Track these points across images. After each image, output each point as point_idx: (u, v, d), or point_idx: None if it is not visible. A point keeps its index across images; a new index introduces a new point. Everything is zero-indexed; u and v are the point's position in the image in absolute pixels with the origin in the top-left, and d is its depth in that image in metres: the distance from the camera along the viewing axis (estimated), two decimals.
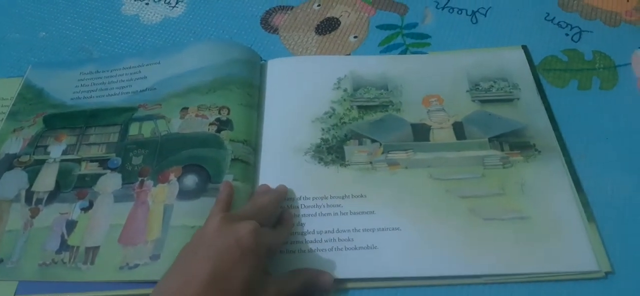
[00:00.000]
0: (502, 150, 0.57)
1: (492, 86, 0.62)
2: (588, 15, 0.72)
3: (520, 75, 0.64)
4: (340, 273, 0.49)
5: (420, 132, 0.59)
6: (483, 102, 0.61)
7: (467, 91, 0.62)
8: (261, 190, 0.54)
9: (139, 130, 0.58)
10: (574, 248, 0.50)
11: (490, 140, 0.58)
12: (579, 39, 0.69)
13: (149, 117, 0.59)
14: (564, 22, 0.71)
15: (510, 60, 0.65)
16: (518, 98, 0.62)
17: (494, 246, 0.50)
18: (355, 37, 0.71)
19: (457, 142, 0.58)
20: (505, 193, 0.54)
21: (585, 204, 0.53)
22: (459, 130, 0.59)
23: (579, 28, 0.70)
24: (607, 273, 0.49)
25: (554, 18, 0.72)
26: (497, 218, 0.52)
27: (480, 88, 0.63)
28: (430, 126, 0.59)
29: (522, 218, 0.52)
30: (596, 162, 0.57)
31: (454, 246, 0.50)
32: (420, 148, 0.57)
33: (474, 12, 0.73)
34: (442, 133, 0.59)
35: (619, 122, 0.60)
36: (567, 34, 0.70)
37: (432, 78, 0.64)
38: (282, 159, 0.57)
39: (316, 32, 0.72)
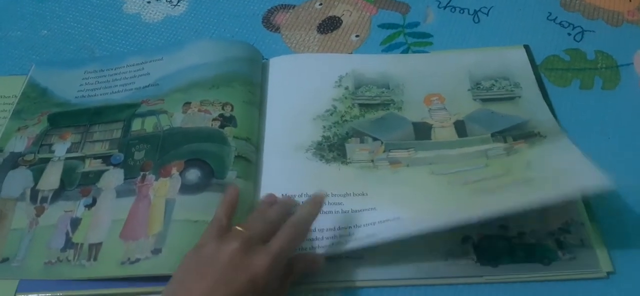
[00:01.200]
0: (506, 142, 0.57)
1: (494, 85, 0.63)
2: (590, 14, 0.72)
3: (521, 74, 0.65)
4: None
5: (422, 131, 0.59)
6: (484, 100, 0.62)
7: (469, 90, 0.63)
8: (268, 200, 0.53)
9: (142, 126, 0.59)
10: (583, 171, 0.50)
11: (492, 135, 0.58)
12: (581, 39, 0.69)
13: (152, 113, 0.60)
14: (566, 21, 0.71)
15: (512, 60, 0.66)
16: (519, 96, 0.62)
17: (498, 200, 0.50)
18: (357, 36, 0.71)
19: (459, 140, 0.58)
20: (510, 174, 0.54)
21: (588, 204, 0.53)
22: (460, 128, 0.59)
23: (581, 28, 0.71)
24: (609, 273, 0.49)
25: (556, 17, 0.72)
26: (501, 190, 0.52)
27: (481, 87, 0.63)
28: (432, 125, 0.59)
29: (529, 180, 0.52)
30: (598, 162, 0.57)
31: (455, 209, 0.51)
32: (421, 147, 0.58)
33: (475, 12, 0.73)
34: (444, 132, 0.59)
35: (621, 122, 0.61)
36: (569, 34, 0.70)
37: (434, 77, 0.64)
38: (284, 157, 0.58)
39: (318, 31, 0.72)
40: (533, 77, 0.64)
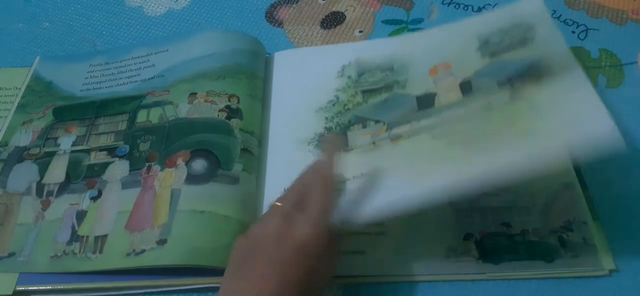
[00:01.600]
0: (512, 87, 0.53)
1: (505, 37, 0.58)
2: (594, 13, 0.73)
3: (536, 17, 0.58)
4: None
5: (425, 101, 0.57)
6: (494, 53, 0.57)
7: (477, 49, 0.59)
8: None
9: (147, 117, 0.60)
10: (591, 116, 0.47)
11: (499, 83, 0.54)
12: (585, 37, 0.70)
13: (157, 103, 0.60)
14: (571, 19, 0.72)
15: (526, 9, 0.59)
16: (533, 38, 0.56)
17: (500, 155, 0.48)
18: (360, 31, 0.71)
19: (462, 99, 0.55)
20: (513, 124, 0.50)
21: (590, 202, 0.54)
22: (466, 88, 0.56)
23: (585, 26, 0.71)
24: (611, 271, 0.50)
25: (561, 15, 0.72)
26: (501, 146, 0.49)
27: (490, 42, 0.58)
28: (436, 93, 0.57)
29: (532, 132, 0.49)
30: (601, 160, 0.57)
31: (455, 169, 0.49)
32: (423, 116, 0.55)
33: (480, 8, 0.74)
34: (449, 96, 0.56)
35: (625, 120, 0.61)
36: (573, 32, 0.71)
37: (440, 49, 0.61)
38: (287, 151, 0.58)
39: (321, 26, 0.72)
40: (549, 18, 0.57)
